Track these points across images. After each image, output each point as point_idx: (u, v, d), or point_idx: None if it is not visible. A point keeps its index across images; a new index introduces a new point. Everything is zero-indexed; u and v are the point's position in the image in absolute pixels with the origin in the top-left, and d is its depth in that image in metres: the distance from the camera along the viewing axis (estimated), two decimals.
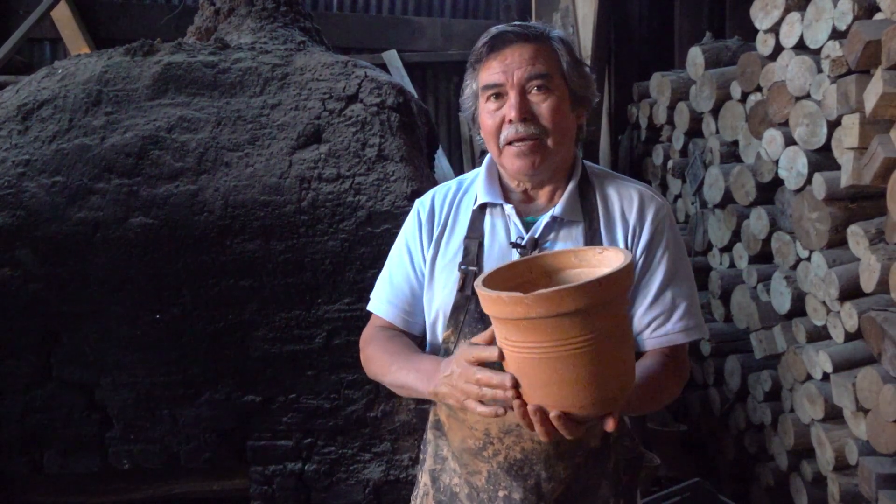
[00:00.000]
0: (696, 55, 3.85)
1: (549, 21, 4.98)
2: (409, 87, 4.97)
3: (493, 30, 1.37)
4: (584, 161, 1.47)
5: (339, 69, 2.73)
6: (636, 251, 1.36)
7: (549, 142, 1.34)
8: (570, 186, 1.39)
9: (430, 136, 3.11)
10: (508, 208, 1.39)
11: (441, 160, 5.02)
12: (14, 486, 2.47)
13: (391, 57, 5.68)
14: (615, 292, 1.04)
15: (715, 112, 3.70)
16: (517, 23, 1.39)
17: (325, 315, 2.40)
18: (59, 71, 2.74)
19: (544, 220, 1.37)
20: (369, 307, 1.54)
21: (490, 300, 1.06)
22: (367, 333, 1.53)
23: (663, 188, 4.37)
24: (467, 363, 1.16)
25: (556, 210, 1.37)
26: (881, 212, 2.62)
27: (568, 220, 1.37)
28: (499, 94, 1.34)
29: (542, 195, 1.42)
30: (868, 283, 2.54)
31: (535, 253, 1.31)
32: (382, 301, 1.50)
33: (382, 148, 2.53)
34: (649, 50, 5.20)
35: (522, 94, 1.32)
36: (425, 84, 6.00)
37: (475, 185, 1.46)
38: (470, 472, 1.40)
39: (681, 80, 4.08)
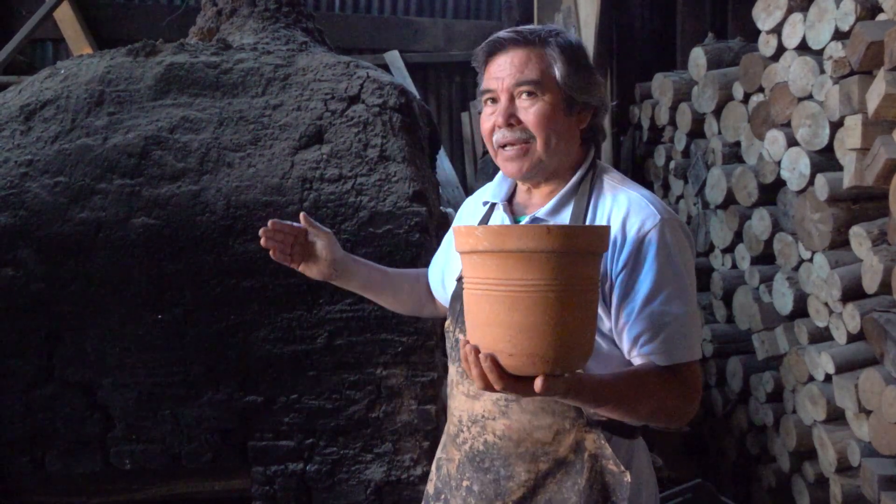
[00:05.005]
0: (698, 56, 3.85)
1: (551, 22, 4.98)
2: (411, 88, 4.97)
3: (494, 35, 1.40)
4: (604, 165, 1.44)
5: (342, 70, 2.73)
6: (616, 262, 1.29)
7: (537, 146, 1.34)
8: (564, 189, 1.38)
9: (432, 137, 3.11)
10: (500, 206, 1.46)
11: (443, 161, 5.02)
12: (15, 486, 2.47)
13: (393, 57, 5.69)
14: (566, 246, 1.06)
15: (717, 113, 3.70)
16: (517, 27, 1.40)
17: (326, 315, 2.40)
18: (62, 71, 2.74)
19: (525, 220, 1.40)
20: None
21: (453, 232, 1.16)
22: None
23: (665, 189, 4.36)
24: None
25: (540, 211, 1.38)
26: (883, 213, 2.62)
27: (551, 221, 1.37)
28: (494, 99, 1.37)
29: (539, 195, 1.43)
30: (870, 284, 2.54)
31: None
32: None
33: (384, 148, 2.53)
34: (651, 51, 5.20)
35: (511, 100, 1.35)
36: (427, 85, 6.00)
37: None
38: (448, 459, 1.48)
39: (683, 81, 4.07)
